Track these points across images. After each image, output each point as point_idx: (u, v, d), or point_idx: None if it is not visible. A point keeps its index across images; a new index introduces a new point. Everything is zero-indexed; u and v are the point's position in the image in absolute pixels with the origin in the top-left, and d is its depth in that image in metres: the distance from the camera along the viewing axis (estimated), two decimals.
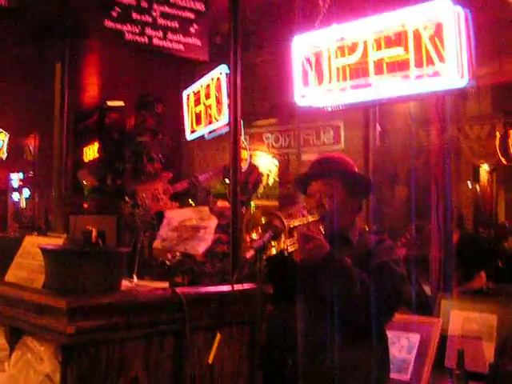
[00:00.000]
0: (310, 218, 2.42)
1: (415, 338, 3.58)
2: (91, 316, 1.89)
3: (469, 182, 8.79)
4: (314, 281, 2.39)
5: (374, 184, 6.54)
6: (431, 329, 3.56)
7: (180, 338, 2.10)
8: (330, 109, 3.73)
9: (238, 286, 2.12)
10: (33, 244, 2.36)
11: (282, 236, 2.02)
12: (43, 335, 1.95)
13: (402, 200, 7.03)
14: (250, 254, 1.87)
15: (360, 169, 6.24)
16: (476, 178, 9.19)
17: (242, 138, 5.70)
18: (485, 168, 9.28)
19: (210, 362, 1.96)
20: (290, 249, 2.26)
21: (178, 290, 2.09)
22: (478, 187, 9.17)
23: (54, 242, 2.35)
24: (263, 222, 2.07)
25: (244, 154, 5.60)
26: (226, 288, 2.09)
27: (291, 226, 2.09)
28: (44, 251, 2.06)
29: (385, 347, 2.58)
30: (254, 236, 2.10)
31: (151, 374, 2.07)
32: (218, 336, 1.94)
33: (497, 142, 7.14)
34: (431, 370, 3.40)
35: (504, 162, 7.50)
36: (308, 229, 2.37)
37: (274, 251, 2.02)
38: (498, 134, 7.16)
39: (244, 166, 5.54)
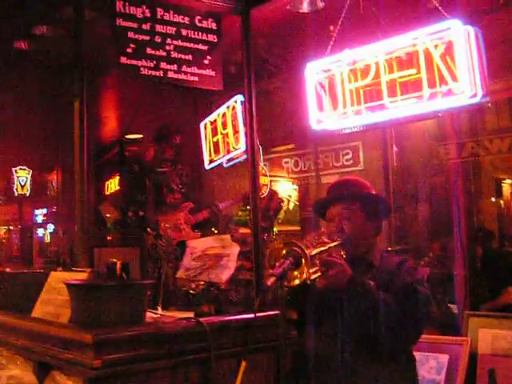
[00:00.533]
0: (331, 244, 2.42)
1: (444, 358, 3.54)
2: (117, 348, 1.91)
3: (492, 197, 8.71)
4: (339, 306, 2.37)
5: (394, 204, 6.56)
6: (460, 348, 3.53)
7: (205, 367, 2.11)
8: (347, 131, 3.75)
9: (260, 313, 2.13)
10: (58, 280, 2.41)
11: (303, 262, 2.02)
12: (70, 369, 1.98)
13: (424, 218, 6.99)
14: (270, 281, 1.88)
15: (380, 189, 6.27)
16: (499, 192, 9.10)
17: (262, 164, 5.75)
18: (508, 182, 9.19)
19: None
20: (313, 276, 2.26)
21: (202, 319, 2.11)
22: (501, 202, 9.07)
23: (79, 276, 2.39)
24: (284, 252, 2.07)
25: (264, 180, 5.64)
26: (249, 315, 2.10)
27: (311, 254, 2.10)
28: (69, 286, 2.10)
29: (413, 369, 2.55)
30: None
31: None
32: (243, 363, 1.94)
33: None
34: None
35: None
36: (329, 255, 2.37)
37: (297, 281, 2.02)
38: None
39: (265, 191, 5.58)
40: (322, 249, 2.35)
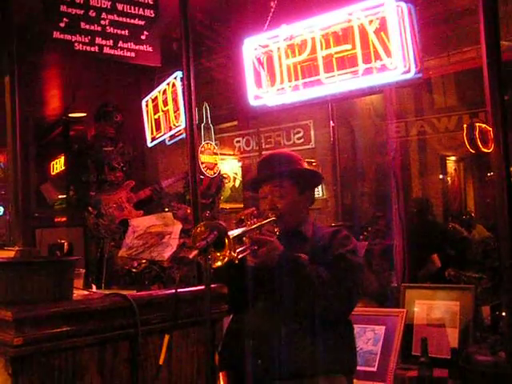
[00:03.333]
0: (263, 222, 2.43)
1: (381, 329, 3.63)
2: (39, 326, 1.88)
3: (437, 173, 8.90)
4: (272, 283, 2.40)
5: (341, 181, 6.62)
6: (396, 320, 3.61)
7: (134, 343, 2.10)
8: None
9: (183, 289, 2.13)
10: None
11: (226, 243, 2.01)
12: None
13: (370, 195, 7.11)
14: (192, 254, 1.87)
15: (329, 167, 6.32)
16: (444, 169, 9.30)
17: (213, 143, 5.72)
18: (452, 159, 9.41)
19: (160, 363, 1.97)
20: (240, 255, 2.25)
21: (129, 294, 2.10)
22: (447, 178, 9.29)
23: (5, 255, 2.34)
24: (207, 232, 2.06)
25: (215, 159, 5.61)
26: (172, 291, 2.10)
27: (234, 235, 2.10)
28: None
29: (350, 337, 2.58)
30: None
31: (107, 379, 2.07)
32: (166, 337, 1.95)
33: (464, 133, 7.23)
34: (397, 359, 3.45)
35: (472, 151, 7.61)
36: (261, 232, 2.39)
37: (219, 263, 2.02)
38: (464, 125, 7.26)
39: (216, 171, 5.55)
40: (254, 226, 2.36)
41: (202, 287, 2.04)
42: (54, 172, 8.73)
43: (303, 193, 2.64)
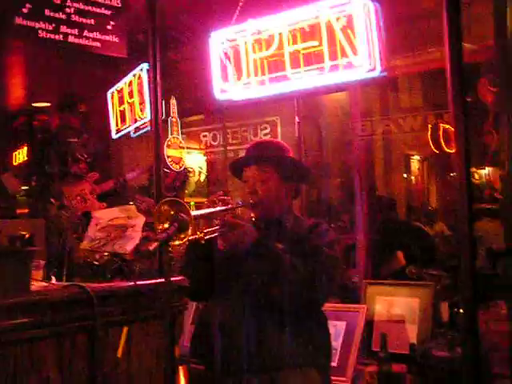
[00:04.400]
0: (234, 205, 2.39)
1: (341, 325, 3.65)
2: None
3: (401, 172, 9.02)
4: (241, 269, 2.35)
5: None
6: (357, 315, 3.64)
7: (92, 335, 2.08)
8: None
9: (144, 281, 2.11)
10: None
11: (190, 229, 2.00)
12: None
13: (335, 192, 7.17)
14: (153, 246, 1.85)
15: None
16: (408, 168, 9.44)
17: (180, 137, 5.69)
18: (416, 158, 9.54)
19: (119, 355, 1.95)
20: (207, 236, 2.21)
21: (88, 286, 2.08)
22: (410, 177, 9.42)
23: None
24: (172, 213, 2.04)
25: (181, 153, 5.57)
26: (132, 283, 2.09)
27: (195, 215, 2.07)
28: None
29: (323, 330, 2.55)
30: (166, 226, 2.06)
31: (64, 373, 2.05)
32: (125, 330, 1.93)
33: (429, 133, 7.34)
34: (357, 355, 3.48)
35: (436, 151, 7.74)
36: (233, 216, 2.34)
37: (177, 242, 1.99)
38: (429, 125, 7.38)
39: (182, 165, 5.51)
40: (222, 208, 2.30)
41: (162, 280, 2.03)
42: (16, 162, 8.58)
43: (286, 182, 2.57)
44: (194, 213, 2.10)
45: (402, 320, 3.61)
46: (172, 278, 2.01)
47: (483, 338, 2.81)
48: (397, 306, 3.70)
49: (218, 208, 2.31)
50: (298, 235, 2.47)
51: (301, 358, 2.38)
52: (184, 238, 1.98)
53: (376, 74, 3.29)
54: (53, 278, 3.01)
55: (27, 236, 2.62)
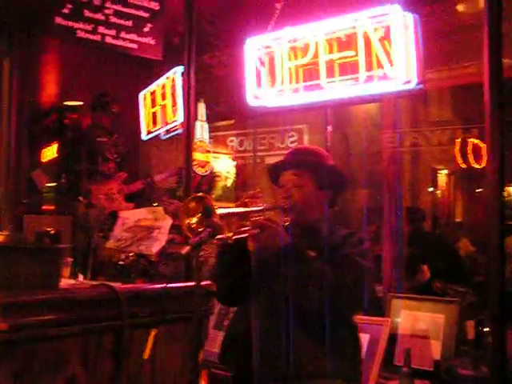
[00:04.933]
0: (257, 208, 2.34)
1: (365, 338, 3.62)
2: (25, 312, 1.87)
3: (428, 186, 8.95)
4: (271, 273, 2.33)
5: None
6: (381, 329, 3.61)
7: (119, 336, 2.09)
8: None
9: (175, 284, 2.11)
10: None
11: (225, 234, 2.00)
12: None
13: (360, 203, 7.12)
14: (185, 250, 1.85)
15: None
16: (435, 181, 9.35)
17: (207, 141, 5.69)
18: (444, 172, 9.46)
19: (146, 357, 1.96)
20: (235, 236, 2.20)
21: (117, 287, 2.08)
22: (437, 191, 9.34)
23: None
24: (200, 210, 2.03)
25: (207, 157, 5.58)
26: (162, 285, 2.09)
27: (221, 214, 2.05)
28: None
29: (353, 341, 2.49)
30: (194, 220, 2.05)
31: (89, 371, 2.05)
32: (153, 332, 1.93)
33: (456, 148, 7.28)
34: (380, 368, 3.44)
35: (463, 166, 7.67)
36: (266, 218, 2.31)
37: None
38: (458, 139, 7.32)
39: (208, 169, 5.52)
40: (253, 209, 2.29)
41: (192, 283, 2.03)
42: (45, 159, 8.66)
43: (323, 190, 2.54)
44: (221, 211, 2.09)
45: (426, 335, 3.57)
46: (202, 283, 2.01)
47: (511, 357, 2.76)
48: (421, 320, 3.66)
49: (249, 208, 2.29)
50: (332, 243, 2.42)
51: (328, 368, 2.32)
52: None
53: (412, 86, 3.26)
54: (80, 275, 3.04)
55: (52, 232, 2.64)
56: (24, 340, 1.88)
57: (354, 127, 6.76)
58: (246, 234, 2.24)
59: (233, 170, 7.14)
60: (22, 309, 1.85)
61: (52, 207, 6.15)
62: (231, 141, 7.12)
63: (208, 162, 5.59)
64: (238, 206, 2.33)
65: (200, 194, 2.16)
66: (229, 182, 7.11)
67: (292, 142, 6.72)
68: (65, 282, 2.30)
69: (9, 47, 3.18)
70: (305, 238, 2.43)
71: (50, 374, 1.98)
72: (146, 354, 1.98)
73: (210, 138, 6.00)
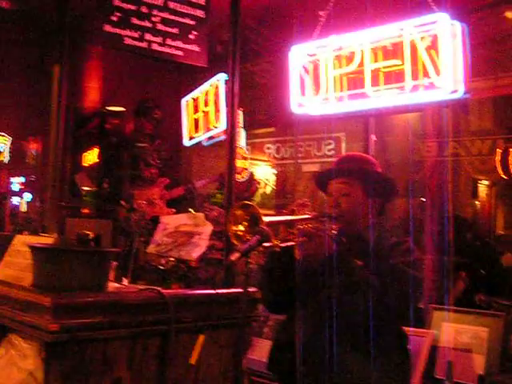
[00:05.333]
0: (304, 216, 2.33)
1: None
2: (75, 314, 1.89)
3: (468, 197, 8.81)
4: (317, 281, 2.31)
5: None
6: (422, 341, 3.56)
7: (165, 340, 2.10)
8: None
9: (222, 290, 2.12)
10: (23, 243, 2.37)
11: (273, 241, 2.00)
12: (28, 332, 1.96)
13: (400, 213, 7.04)
14: (235, 256, 1.85)
15: None
16: (475, 192, 9.20)
17: (244, 148, 5.72)
18: (484, 183, 9.30)
19: (192, 362, 1.96)
20: (283, 244, 2.20)
21: (165, 291, 2.10)
22: (478, 202, 9.18)
23: (44, 241, 2.36)
24: (246, 217, 2.04)
25: (244, 164, 5.60)
26: (210, 291, 2.10)
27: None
28: (32, 249, 2.07)
29: (400, 352, 2.45)
30: (241, 228, 2.06)
31: (135, 374, 2.07)
32: (201, 337, 1.94)
33: (497, 158, 7.16)
34: (421, 380, 3.40)
35: (504, 177, 7.52)
36: (313, 226, 2.30)
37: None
38: (498, 150, 7.20)
39: (245, 175, 5.54)
40: (299, 217, 2.28)
41: (239, 290, 2.03)
42: (86, 163, 8.81)
43: (371, 197, 2.50)
44: (269, 219, 2.09)
45: (469, 349, 3.50)
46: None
47: None
48: (464, 333, 3.60)
49: (297, 216, 2.29)
50: (380, 252, 2.38)
51: (374, 379, 2.29)
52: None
53: (458, 95, 3.22)
54: (124, 279, 3.07)
55: (92, 236, 2.68)
56: (74, 341, 1.91)
57: (393, 136, 6.71)
58: (293, 243, 2.23)
59: (272, 178, 7.14)
60: (73, 310, 1.88)
61: (93, 211, 6.24)
62: (268, 148, 7.14)
63: (245, 169, 5.61)
64: (285, 214, 2.32)
65: (247, 202, 2.17)
66: (268, 189, 7.12)
67: (329, 150, 6.70)
68: (111, 286, 2.32)
69: (60, 55, 3.24)
70: (352, 246, 2.41)
71: (96, 376, 2.00)
72: (193, 360, 1.98)
73: (247, 144, 6.02)
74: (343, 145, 6.62)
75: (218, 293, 1.98)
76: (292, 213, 2.30)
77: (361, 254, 2.36)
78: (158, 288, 2.24)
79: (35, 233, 5.73)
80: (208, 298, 2.09)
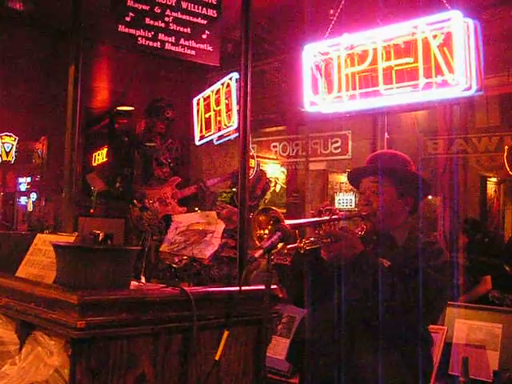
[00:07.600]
0: (338, 216, 2.31)
1: None
2: (101, 311, 1.91)
3: (477, 193, 8.81)
4: (343, 282, 2.29)
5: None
6: (436, 337, 3.57)
7: (187, 336, 2.12)
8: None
9: (245, 287, 2.14)
10: (44, 242, 2.40)
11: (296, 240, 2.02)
12: (53, 329, 1.97)
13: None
14: (258, 253, 1.87)
15: None
16: (483, 189, 9.20)
17: (250, 146, 5.73)
18: (493, 180, 9.29)
19: (217, 358, 1.98)
20: (309, 246, 2.19)
21: (187, 288, 2.12)
22: (486, 199, 9.18)
23: (65, 239, 2.38)
24: (264, 218, 2.06)
25: (251, 163, 5.62)
26: (233, 288, 2.11)
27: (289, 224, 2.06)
28: (56, 247, 2.09)
29: (421, 354, 2.38)
30: (266, 231, 2.08)
31: (158, 370, 2.09)
32: (226, 333, 1.96)
33: (505, 155, 7.15)
34: (435, 377, 3.41)
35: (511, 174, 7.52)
36: (340, 227, 2.30)
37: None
38: (506, 147, 7.19)
39: (251, 174, 5.55)
40: (323, 219, 2.27)
41: (259, 287, 2.05)
42: (95, 163, 8.85)
43: (403, 196, 2.44)
44: (290, 222, 2.10)
45: (482, 345, 3.51)
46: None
47: None
48: (478, 330, 3.60)
49: (324, 218, 2.27)
50: (409, 253, 2.35)
51: (394, 380, 2.29)
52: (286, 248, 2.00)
53: (472, 92, 3.24)
54: (142, 277, 3.10)
55: (101, 235, 2.70)
56: (100, 338, 1.93)
57: (400, 133, 6.71)
58: (318, 245, 2.23)
59: (281, 176, 7.15)
60: (99, 308, 1.90)
61: (105, 210, 6.28)
62: (274, 146, 7.15)
63: (252, 168, 5.62)
64: (312, 215, 2.31)
65: (265, 207, 2.18)
66: (277, 188, 7.13)
67: (335, 148, 6.70)
68: (132, 284, 2.35)
69: (75, 55, 3.25)
70: (381, 245, 2.38)
71: (121, 373, 2.02)
72: (218, 355, 2.00)
73: (253, 143, 6.04)
74: (349, 142, 6.62)
75: (241, 290, 1.99)
76: (319, 214, 2.29)
77: (389, 254, 2.34)
78: (183, 287, 2.26)
79: (53, 232, 5.79)
80: (230, 295, 2.10)
